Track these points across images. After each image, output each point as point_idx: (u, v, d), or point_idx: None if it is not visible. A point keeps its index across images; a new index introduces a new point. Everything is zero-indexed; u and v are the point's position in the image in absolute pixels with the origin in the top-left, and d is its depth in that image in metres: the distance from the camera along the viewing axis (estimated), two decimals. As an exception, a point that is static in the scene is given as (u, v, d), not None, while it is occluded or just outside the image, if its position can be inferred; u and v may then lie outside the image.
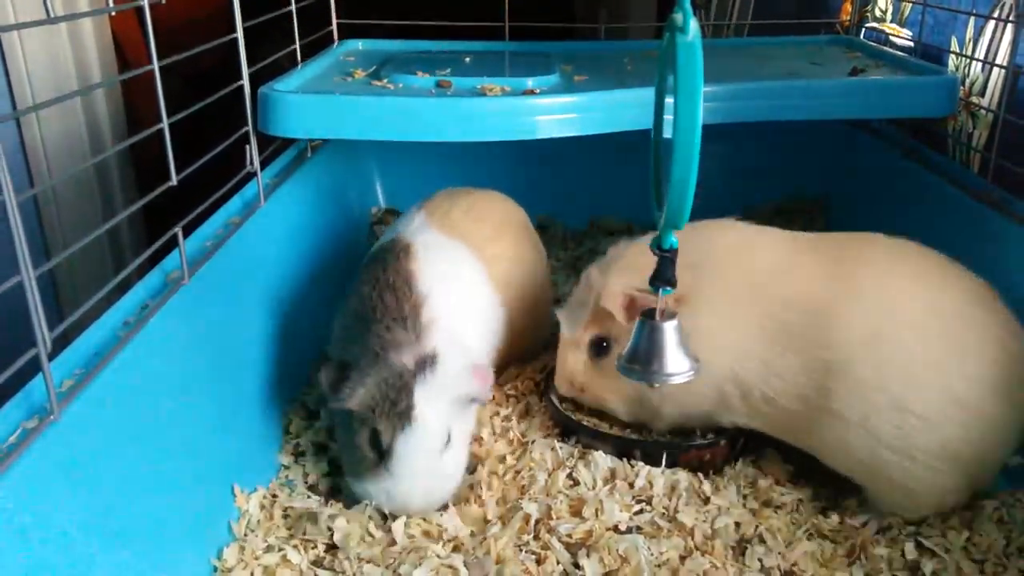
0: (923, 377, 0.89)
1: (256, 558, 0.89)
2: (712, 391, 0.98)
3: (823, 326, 0.92)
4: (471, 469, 1.02)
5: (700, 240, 1.01)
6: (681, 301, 0.96)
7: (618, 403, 1.04)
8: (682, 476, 0.98)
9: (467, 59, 1.54)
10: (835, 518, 0.95)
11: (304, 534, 0.91)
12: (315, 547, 0.91)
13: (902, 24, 1.72)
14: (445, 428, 0.93)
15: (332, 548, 0.91)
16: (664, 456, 1.00)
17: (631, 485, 0.97)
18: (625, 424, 1.10)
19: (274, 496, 0.98)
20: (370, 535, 0.90)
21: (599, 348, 1.04)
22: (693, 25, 0.69)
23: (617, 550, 0.86)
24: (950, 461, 0.89)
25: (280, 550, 0.90)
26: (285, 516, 0.95)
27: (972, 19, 1.47)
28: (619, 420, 1.10)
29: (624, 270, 1.00)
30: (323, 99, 1.25)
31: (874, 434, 0.90)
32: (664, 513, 0.93)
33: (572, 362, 1.06)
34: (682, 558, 0.88)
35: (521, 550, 0.87)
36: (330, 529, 0.91)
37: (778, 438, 1.01)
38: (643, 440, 1.06)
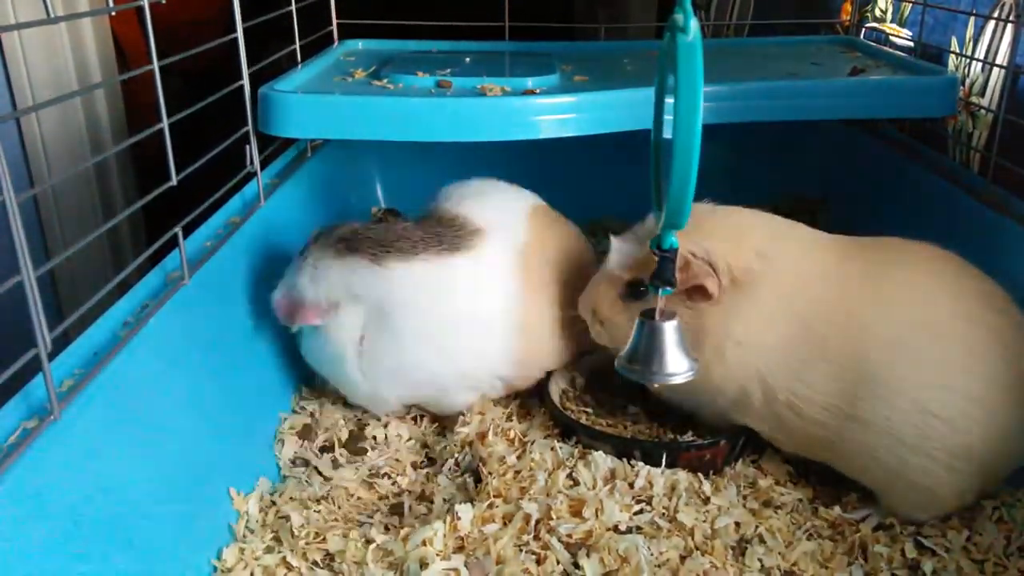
0: (944, 379, 0.89)
1: (256, 558, 0.89)
2: (733, 386, 0.97)
3: (854, 334, 0.92)
4: (474, 469, 1.02)
5: (773, 234, 1.00)
6: (736, 282, 0.94)
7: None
8: (682, 476, 0.98)
9: (467, 59, 1.54)
10: (835, 511, 0.95)
11: (303, 535, 0.91)
12: (321, 541, 0.91)
13: (902, 24, 1.72)
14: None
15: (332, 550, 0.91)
16: (664, 456, 1.00)
17: (631, 485, 0.97)
18: (625, 424, 1.10)
19: (273, 497, 0.98)
20: (369, 540, 0.90)
21: (633, 289, 1.01)
22: (694, 25, 0.69)
23: (617, 550, 0.86)
24: (969, 461, 0.90)
25: (279, 552, 0.90)
26: (284, 517, 0.95)
27: (972, 19, 1.47)
28: (619, 419, 1.10)
29: (688, 231, 0.90)
30: (323, 99, 1.25)
31: (897, 436, 0.90)
32: (664, 513, 0.93)
33: (603, 293, 1.03)
34: (682, 558, 0.88)
35: (521, 550, 0.87)
36: (334, 525, 0.91)
37: (788, 450, 1.01)
38: (643, 440, 1.06)
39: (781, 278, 0.95)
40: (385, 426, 1.12)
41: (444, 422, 1.13)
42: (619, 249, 1.03)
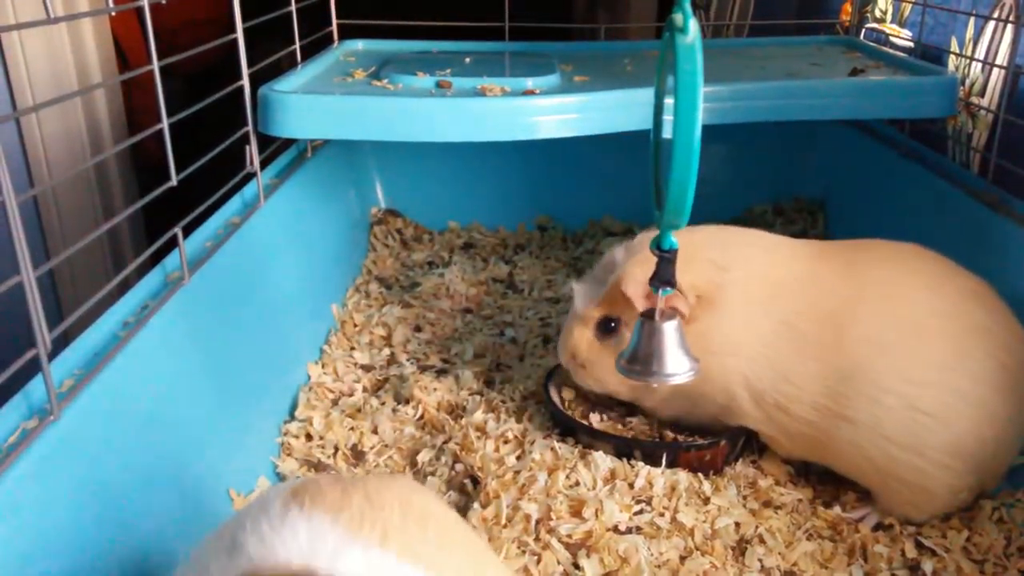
0: (931, 377, 0.90)
1: (256, 558, 0.89)
2: (721, 393, 0.98)
3: (835, 333, 0.93)
4: (473, 470, 1.02)
5: (726, 244, 1.02)
6: (704, 299, 0.96)
7: (620, 384, 1.03)
8: (682, 476, 0.98)
9: (467, 59, 1.54)
10: (835, 510, 0.96)
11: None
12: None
13: (902, 24, 1.72)
14: None
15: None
16: (664, 456, 1.00)
17: (631, 485, 0.97)
18: (625, 424, 1.10)
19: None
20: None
21: (606, 327, 1.03)
22: (693, 26, 0.69)
23: (617, 550, 0.86)
24: (961, 459, 0.90)
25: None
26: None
27: (972, 19, 1.47)
28: (618, 420, 1.10)
29: (650, 259, 0.91)
30: (323, 99, 1.25)
31: (886, 435, 0.91)
32: (664, 513, 0.93)
33: (577, 337, 1.05)
34: (682, 558, 0.88)
35: (521, 550, 0.87)
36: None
37: (786, 453, 1.01)
38: (643, 440, 1.06)
39: (747, 284, 0.97)
40: (383, 430, 1.12)
41: (443, 423, 1.13)
42: (583, 291, 1.05)
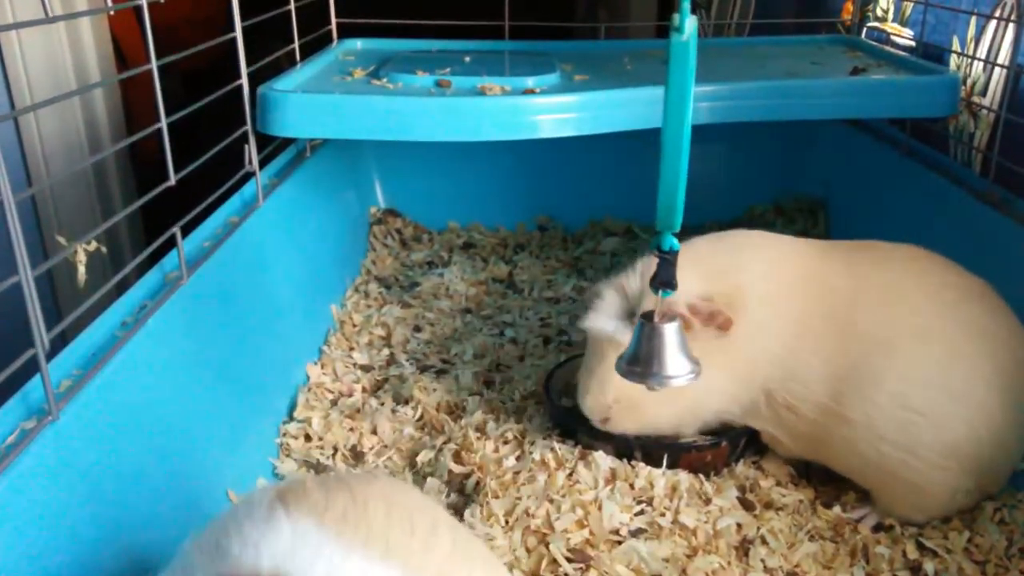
0: (925, 377, 0.90)
1: (255, 559, 0.88)
2: (746, 397, 0.97)
3: (837, 333, 0.93)
4: (473, 470, 1.02)
5: (735, 247, 1.01)
6: (730, 305, 0.93)
7: (671, 416, 0.98)
8: (683, 477, 0.98)
9: (467, 58, 1.53)
10: (835, 510, 0.95)
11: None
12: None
13: (903, 24, 1.71)
14: None
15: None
16: (665, 457, 1.00)
17: (631, 486, 0.96)
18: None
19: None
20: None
21: None
22: (688, 25, 0.68)
23: (617, 551, 0.85)
24: (957, 459, 0.90)
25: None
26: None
27: (974, 18, 1.46)
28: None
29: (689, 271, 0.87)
30: (322, 99, 1.24)
31: (880, 434, 0.91)
32: (665, 514, 0.93)
33: (619, 382, 0.90)
34: (688, 556, 0.87)
35: (526, 551, 0.87)
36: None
37: (789, 453, 1.01)
38: (643, 440, 1.05)
39: (760, 285, 0.96)
40: (382, 430, 1.12)
41: (443, 423, 1.13)
42: (614, 326, 0.95)
